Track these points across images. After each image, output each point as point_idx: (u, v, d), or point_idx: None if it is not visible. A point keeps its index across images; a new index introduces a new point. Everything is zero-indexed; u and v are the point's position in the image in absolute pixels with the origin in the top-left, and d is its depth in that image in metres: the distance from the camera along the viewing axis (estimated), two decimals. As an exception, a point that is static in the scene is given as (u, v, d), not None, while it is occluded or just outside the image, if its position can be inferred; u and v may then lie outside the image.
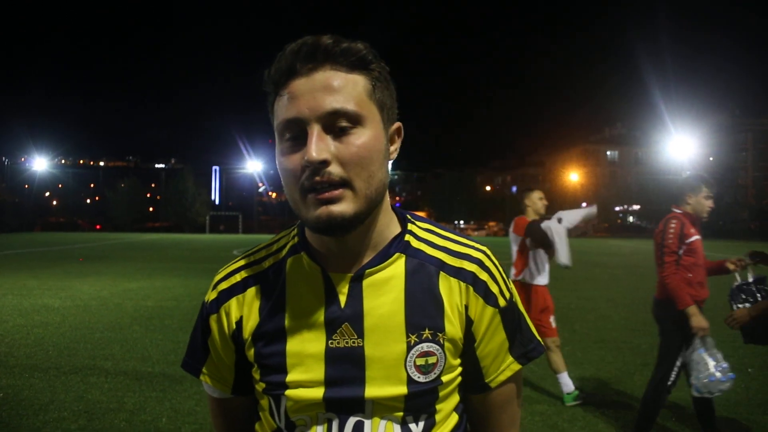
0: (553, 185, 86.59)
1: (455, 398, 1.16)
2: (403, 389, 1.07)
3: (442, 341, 1.09)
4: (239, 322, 1.14)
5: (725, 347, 7.13)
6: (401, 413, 1.08)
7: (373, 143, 1.02)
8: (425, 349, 1.08)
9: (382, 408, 1.08)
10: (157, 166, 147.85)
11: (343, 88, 1.00)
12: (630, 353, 7.04)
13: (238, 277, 1.18)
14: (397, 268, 1.11)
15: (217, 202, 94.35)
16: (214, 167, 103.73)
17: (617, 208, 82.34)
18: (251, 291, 1.15)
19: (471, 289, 1.12)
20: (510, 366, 1.16)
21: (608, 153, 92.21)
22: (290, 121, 1.00)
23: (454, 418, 1.16)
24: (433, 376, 1.09)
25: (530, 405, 5.11)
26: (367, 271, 1.09)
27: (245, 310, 1.14)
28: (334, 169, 0.98)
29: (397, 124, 1.12)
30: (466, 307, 1.11)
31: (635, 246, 39.89)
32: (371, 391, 1.06)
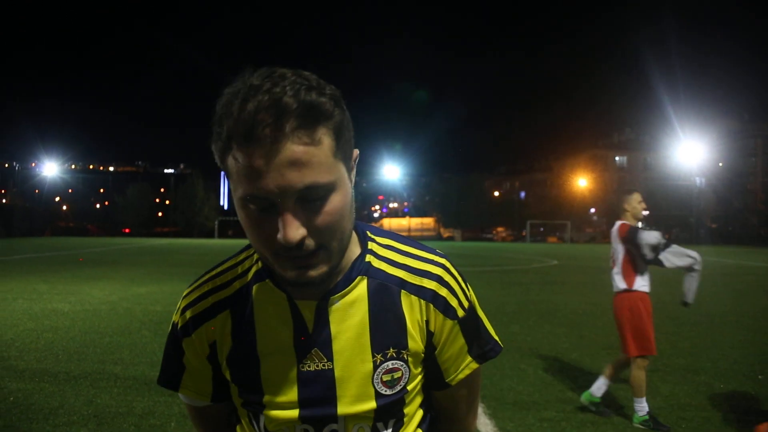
0: (561, 191, 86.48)
1: (420, 398, 1.24)
2: (372, 404, 1.13)
3: (406, 357, 1.15)
4: (213, 346, 1.17)
5: (735, 353, 7.11)
6: (372, 422, 1.16)
7: (344, 201, 1.00)
8: (391, 366, 1.14)
9: (354, 419, 1.14)
10: (166, 171, 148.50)
11: (311, 158, 0.92)
12: (639, 359, 7.01)
13: (208, 302, 1.18)
14: (359, 290, 1.13)
15: (225, 207, 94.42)
16: (223, 172, 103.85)
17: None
18: (222, 316, 1.16)
19: (431, 305, 1.16)
20: (469, 365, 1.21)
21: (617, 158, 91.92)
22: (256, 198, 0.94)
23: (420, 414, 1.25)
24: (399, 388, 1.15)
25: (538, 411, 5.10)
26: (332, 297, 1.11)
27: (218, 335, 1.16)
28: (310, 241, 0.96)
29: (355, 154, 1.08)
30: (427, 322, 1.16)
31: (644, 251, 39.65)
32: (343, 408, 1.13)
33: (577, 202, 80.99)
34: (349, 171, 1.05)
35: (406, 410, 1.20)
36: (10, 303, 10.77)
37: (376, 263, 1.16)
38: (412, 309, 1.15)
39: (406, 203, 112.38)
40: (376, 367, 1.13)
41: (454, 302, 1.17)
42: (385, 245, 1.20)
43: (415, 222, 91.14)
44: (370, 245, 1.18)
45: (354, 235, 1.17)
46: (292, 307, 1.12)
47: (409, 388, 1.17)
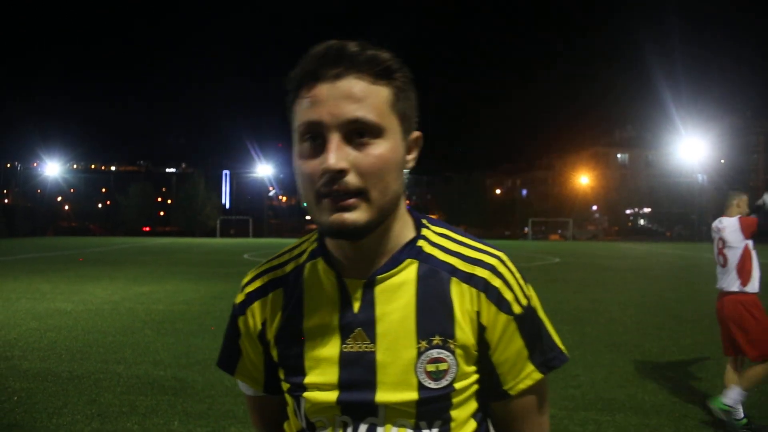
0: (563, 188, 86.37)
1: (472, 405, 1.14)
2: (413, 395, 1.07)
3: (452, 348, 1.09)
4: (264, 324, 1.19)
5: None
6: (414, 419, 1.08)
7: (391, 154, 1.02)
8: (435, 355, 1.08)
9: (394, 413, 1.08)
10: (167, 170, 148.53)
11: (366, 97, 1.00)
12: (641, 356, 7.02)
13: (263, 281, 1.21)
14: (408, 273, 1.11)
15: (227, 206, 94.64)
16: (224, 171, 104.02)
17: (628, 211, 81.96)
18: (273, 294, 1.19)
19: (483, 295, 1.10)
20: (530, 375, 1.13)
21: (618, 156, 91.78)
22: (311, 125, 1.00)
23: (472, 425, 1.14)
24: (444, 382, 1.08)
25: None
26: (379, 276, 1.10)
27: (269, 313, 1.18)
28: (351, 179, 0.98)
29: (416, 134, 1.12)
30: (478, 314, 1.10)
31: (646, 249, 39.69)
32: (382, 395, 1.07)
33: (578, 200, 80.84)
34: (406, 143, 1.09)
35: (453, 413, 1.11)
36: (14, 303, 10.80)
37: (428, 248, 1.14)
38: (462, 298, 1.10)
39: (408, 201, 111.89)
40: (420, 354, 1.08)
41: (508, 295, 1.12)
42: (439, 233, 1.18)
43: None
44: (424, 231, 1.17)
45: (409, 220, 1.18)
46: (341, 286, 1.12)
47: (456, 386, 1.09)
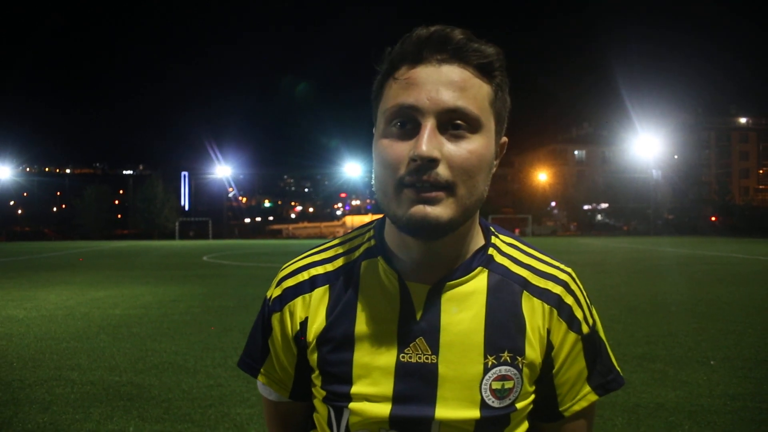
0: (522, 185, 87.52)
1: (524, 425, 1.09)
2: (475, 413, 1.00)
3: (520, 365, 1.03)
4: (304, 323, 1.08)
5: (689, 341, 7.29)
6: None
7: (484, 152, 0.95)
8: (503, 372, 1.02)
9: (449, 431, 1.02)
10: (124, 172, 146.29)
11: (469, 88, 0.93)
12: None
13: (305, 275, 1.11)
14: (479, 282, 1.05)
15: (186, 207, 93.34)
16: (183, 173, 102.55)
17: (585, 207, 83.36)
18: (319, 291, 1.09)
19: (555, 312, 1.06)
20: (587, 396, 1.09)
21: (576, 152, 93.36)
22: (404, 108, 0.92)
23: None
24: (507, 401, 1.02)
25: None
26: (448, 283, 1.03)
27: (311, 311, 1.08)
28: (442, 171, 0.91)
29: (505, 139, 1.07)
30: (549, 332, 1.05)
31: (603, 243, 40.45)
32: (441, 412, 1.00)
33: (537, 196, 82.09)
34: (497, 146, 1.03)
35: None
36: (-38, 311, 10.48)
37: (499, 258, 1.08)
38: (533, 313, 1.05)
39: (369, 200, 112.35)
40: (486, 370, 1.01)
41: (579, 314, 1.08)
42: (508, 243, 1.13)
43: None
44: (494, 239, 1.11)
45: (478, 227, 1.10)
46: (402, 289, 1.04)
47: (518, 406, 1.03)
